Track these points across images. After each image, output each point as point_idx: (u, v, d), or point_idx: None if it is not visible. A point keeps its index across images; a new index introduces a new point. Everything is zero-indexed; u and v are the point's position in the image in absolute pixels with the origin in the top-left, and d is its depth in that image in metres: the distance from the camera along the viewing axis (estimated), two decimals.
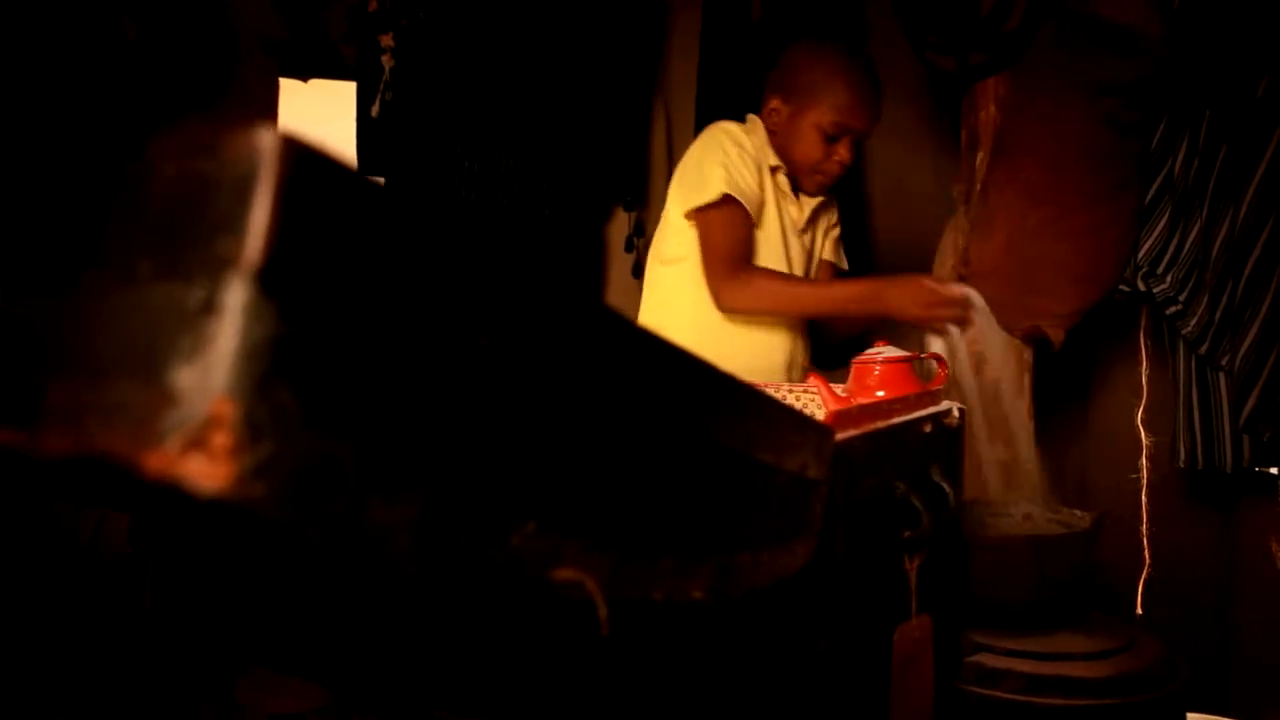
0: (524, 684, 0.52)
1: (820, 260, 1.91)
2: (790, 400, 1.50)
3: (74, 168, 0.35)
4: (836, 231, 1.92)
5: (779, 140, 1.76)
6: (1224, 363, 1.90)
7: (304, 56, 2.53)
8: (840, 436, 0.88)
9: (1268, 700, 1.92)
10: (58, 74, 1.68)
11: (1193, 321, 1.90)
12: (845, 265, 1.95)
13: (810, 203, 1.83)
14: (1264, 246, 1.80)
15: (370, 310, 0.33)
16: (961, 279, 2.05)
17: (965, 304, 1.50)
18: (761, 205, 1.74)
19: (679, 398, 0.53)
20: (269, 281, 0.30)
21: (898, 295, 1.56)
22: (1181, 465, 1.99)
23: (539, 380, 0.42)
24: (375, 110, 2.50)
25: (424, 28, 2.46)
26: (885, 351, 1.31)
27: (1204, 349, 1.91)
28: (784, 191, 1.80)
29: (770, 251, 1.77)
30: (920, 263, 2.27)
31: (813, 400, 1.45)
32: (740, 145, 1.72)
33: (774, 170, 1.78)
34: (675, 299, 1.77)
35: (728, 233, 1.67)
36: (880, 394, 1.27)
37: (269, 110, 2.61)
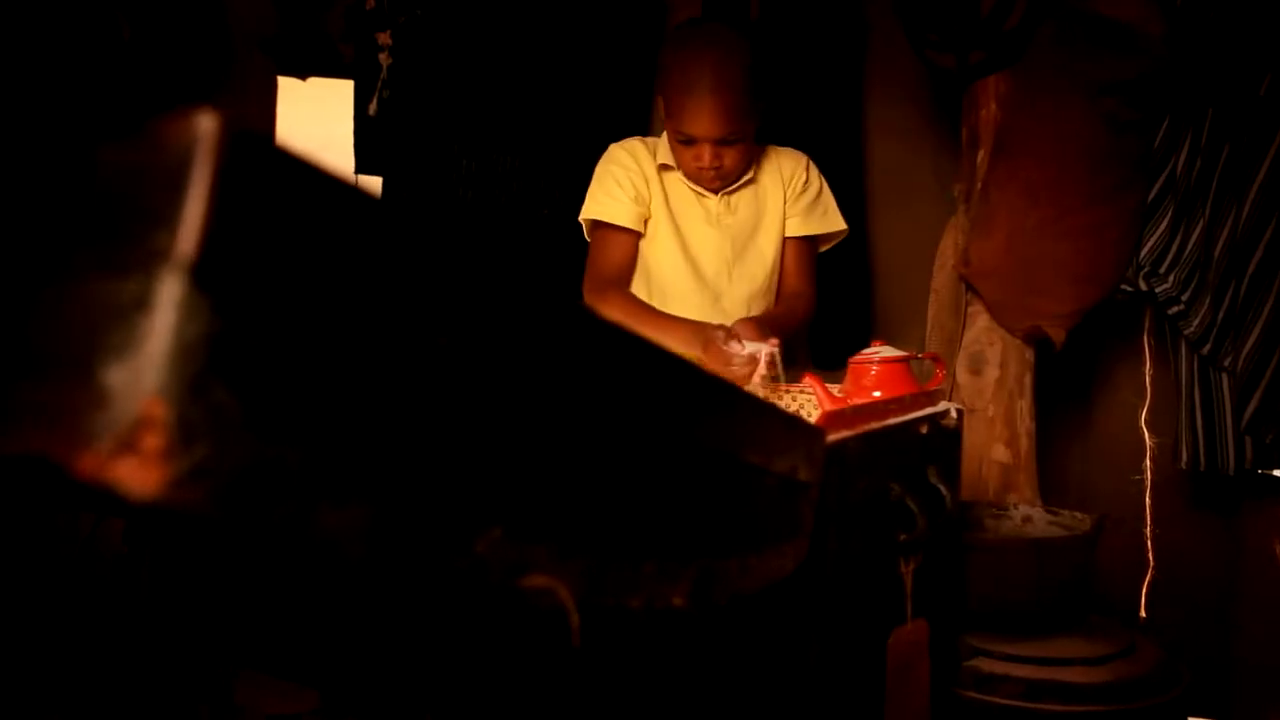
0: (500, 692, 0.51)
1: (789, 241, 1.77)
2: (786, 401, 1.48)
3: (13, 161, 0.34)
4: (806, 198, 1.76)
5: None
6: (1226, 364, 1.88)
7: (302, 55, 2.52)
8: (833, 438, 0.87)
9: (1270, 704, 1.90)
10: (50, 72, 1.67)
11: (1195, 322, 1.88)
12: (834, 227, 1.78)
13: (736, 190, 1.72)
14: (1267, 247, 1.78)
15: (318, 306, 0.32)
16: (962, 278, 2.03)
17: (753, 361, 1.43)
18: (644, 213, 1.74)
19: (657, 398, 0.52)
20: (203, 275, 0.29)
21: (703, 356, 1.50)
22: (1183, 467, 1.97)
23: (506, 381, 0.40)
24: (373, 108, 2.48)
25: (422, 25, 2.45)
26: (882, 351, 1.29)
27: (1206, 350, 1.89)
28: (689, 186, 1.73)
29: (664, 253, 1.75)
30: (921, 262, 2.26)
31: (810, 401, 1.43)
32: (616, 162, 1.74)
33: (665, 169, 1.73)
34: None
35: (592, 256, 1.77)
36: (877, 394, 1.25)
37: (267, 109, 2.60)
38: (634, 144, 1.78)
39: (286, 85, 2.63)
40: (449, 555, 0.39)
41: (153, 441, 0.28)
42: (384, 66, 2.44)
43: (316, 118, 2.90)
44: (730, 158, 1.65)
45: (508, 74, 2.47)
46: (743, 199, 1.76)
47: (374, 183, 2.54)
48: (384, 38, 2.43)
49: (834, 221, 1.79)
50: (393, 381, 0.34)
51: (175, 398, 0.28)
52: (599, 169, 1.77)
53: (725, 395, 0.61)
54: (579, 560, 0.47)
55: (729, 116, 1.59)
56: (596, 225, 1.75)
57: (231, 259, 0.29)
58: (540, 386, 0.42)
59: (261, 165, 0.30)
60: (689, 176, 1.71)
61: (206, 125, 0.30)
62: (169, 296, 0.29)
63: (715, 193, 1.73)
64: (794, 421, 0.73)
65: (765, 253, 1.78)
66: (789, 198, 1.77)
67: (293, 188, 0.31)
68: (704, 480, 0.59)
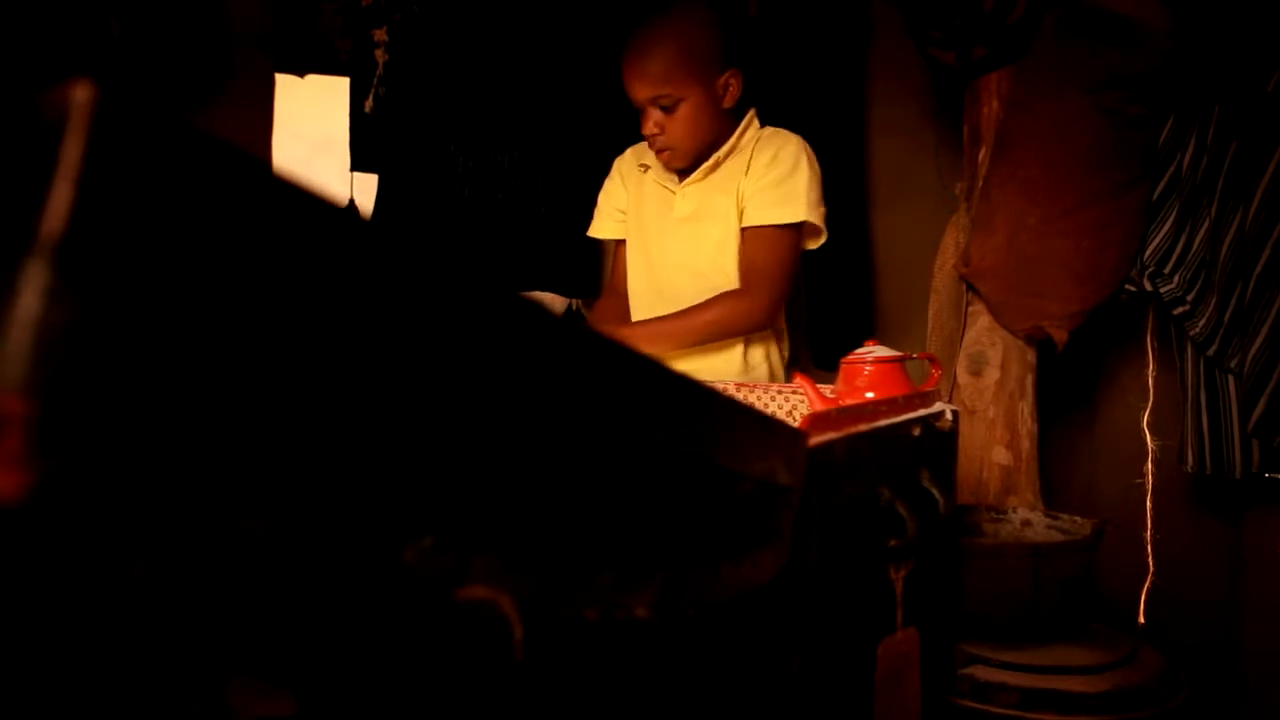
0: (436, 708, 0.48)
1: (743, 231, 1.62)
2: (780, 401, 1.45)
3: None
4: (766, 181, 1.60)
5: None
6: (1233, 365, 1.84)
7: (298, 51, 2.50)
8: (816, 440, 0.84)
9: (1276, 715, 1.86)
10: (36, 67, 1.65)
11: (1201, 323, 1.84)
12: (788, 219, 1.58)
13: (695, 182, 1.65)
14: (1274, 246, 1.74)
15: (206, 293, 0.29)
16: (962, 278, 2.00)
17: None
18: (624, 219, 1.80)
19: (614, 396, 0.49)
20: (71, 260, 0.26)
21: None
22: (1189, 470, 1.93)
23: (433, 376, 0.37)
24: (369, 105, 2.46)
25: (418, 22, 2.42)
26: (875, 351, 1.26)
27: (1212, 351, 1.85)
28: (662, 184, 1.71)
29: (631, 254, 1.77)
30: (923, 262, 2.22)
31: (802, 402, 1.40)
32: (614, 170, 1.85)
33: (645, 169, 1.75)
34: None
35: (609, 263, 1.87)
36: (870, 395, 1.22)
37: (264, 106, 2.58)
38: (631, 150, 1.83)
39: (284, 83, 2.62)
40: (371, 566, 0.37)
41: (11, 442, 0.26)
42: (380, 63, 2.42)
43: (315, 115, 2.88)
44: (675, 128, 1.58)
45: (505, 71, 2.44)
46: (708, 188, 1.66)
47: (370, 180, 2.52)
48: (380, 34, 2.40)
49: (792, 211, 1.58)
50: (292, 375, 0.31)
51: (38, 394, 0.26)
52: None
53: (693, 395, 0.58)
54: (525, 570, 0.45)
55: (655, 76, 1.56)
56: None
57: (104, 242, 0.27)
58: (475, 382, 0.39)
59: (142, 140, 0.28)
60: (654, 153, 1.67)
61: (79, 96, 0.27)
62: (32, 283, 0.26)
63: (677, 173, 1.68)
64: (771, 424, 0.71)
65: (712, 244, 1.65)
66: (750, 181, 1.62)
67: (177, 165, 0.28)
68: (669, 484, 0.56)
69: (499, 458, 0.42)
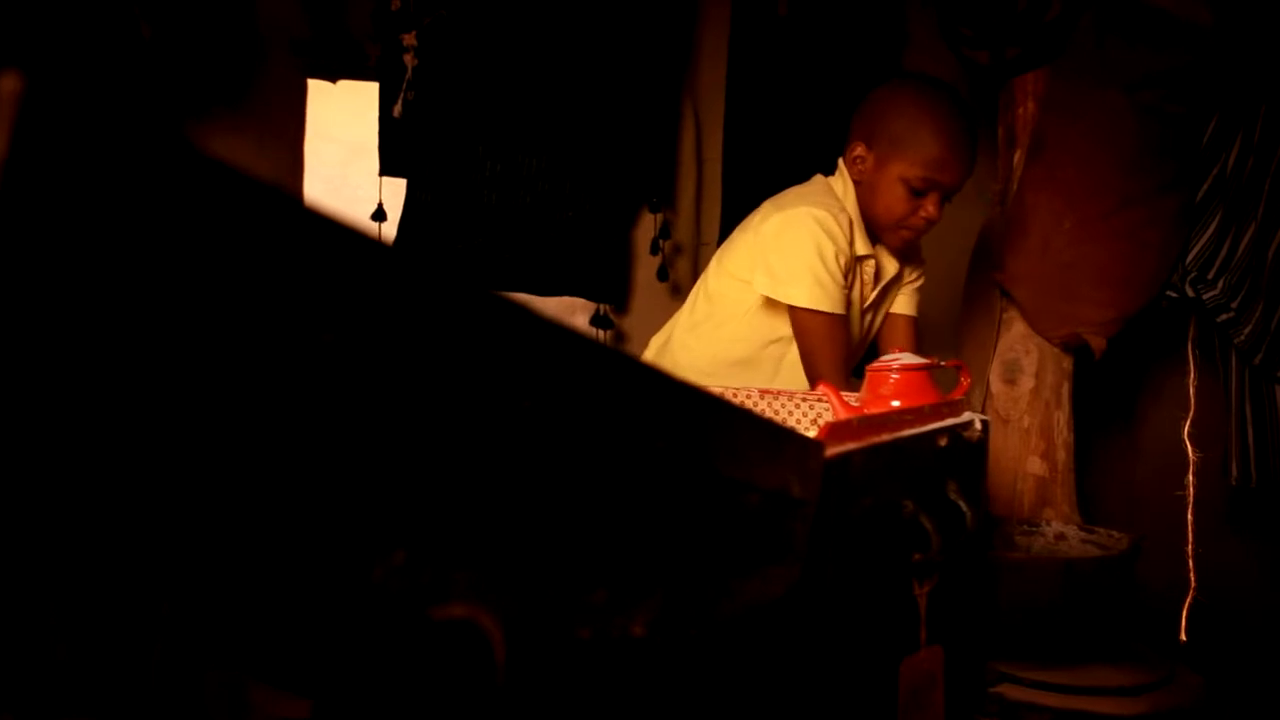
0: None
1: (890, 315, 1.79)
2: (804, 409, 1.42)
3: None
4: (919, 282, 1.81)
5: (863, 190, 1.62)
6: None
7: (329, 56, 2.52)
8: (833, 451, 0.81)
9: None
10: (68, 70, 1.67)
11: (1246, 330, 1.78)
12: (914, 313, 1.81)
13: (888, 276, 1.72)
14: None
15: (140, 292, 0.27)
16: (996, 283, 1.95)
17: None
18: (846, 299, 1.61)
19: (604, 403, 0.47)
20: None
21: None
22: (1233, 483, 1.86)
23: (398, 379, 0.35)
24: (398, 110, 2.46)
25: (447, 26, 2.43)
26: (902, 358, 1.23)
27: (1258, 360, 1.78)
28: (866, 278, 1.69)
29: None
30: (956, 267, 2.18)
31: (827, 411, 1.37)
32: (835, 242, 1.56)
33: (861, 260, 1.64)
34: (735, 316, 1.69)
35: (832, 344, 1.57)
36: (895, 404, 1.19)
37: (297, 111, 2.60)
38: (834, 227, 1.57)
39: (317, 88, 2.63)
40: (336, 585, 0.35)
41: None
42: (409, 68, 2.42)
43: (347, 121, 2.89)
44: (938, 215, 1.63)
45: (533, 75, 2.44)
46: (880, 293, 1.74)
47: (400, 185, 2.53)
48: (409, 39, 2.41)
49: (914, 309, 1.81)
50: (237, 382, 0.29)
51: None
52: (819, 243, 1.55)
53: (697, 402, 0.56)
54: (510, 586, 0.43)
55: (971, 165, 1.62)
56: (826, 314, 1.56)
57: (24, 241, 0.25)
58: (451, 389, 0.37)
59: (76, 135, 0.26)
60: (891, 228, 1.62)
61: (5, 88, 0.25)
62: None
63: (899, 248, 1.69)
64: (783, 433, 0.68)
65: (885, 326, 1.79)
66: (903, 285, 1.78)
67: (116, 162, 0.27)
68: (669, 496, 0.54)
69: (480, 468, 0.40)
